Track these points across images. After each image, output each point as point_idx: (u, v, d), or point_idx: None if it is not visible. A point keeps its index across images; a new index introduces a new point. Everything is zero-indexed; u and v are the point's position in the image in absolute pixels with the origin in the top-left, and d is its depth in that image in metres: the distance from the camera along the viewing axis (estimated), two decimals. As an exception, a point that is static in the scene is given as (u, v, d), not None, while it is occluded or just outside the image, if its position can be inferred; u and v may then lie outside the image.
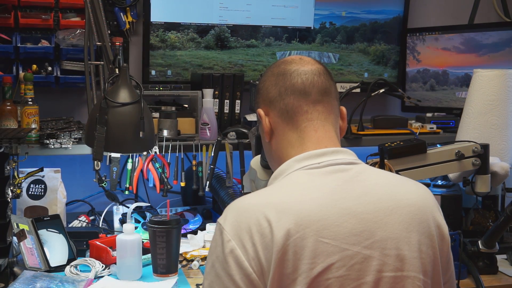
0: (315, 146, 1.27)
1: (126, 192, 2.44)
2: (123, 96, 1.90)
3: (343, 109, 1.37)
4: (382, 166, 2.00)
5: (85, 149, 2.16)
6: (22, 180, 2.03)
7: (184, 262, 2.10)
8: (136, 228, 2.20)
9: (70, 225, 2.37)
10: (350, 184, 1.21)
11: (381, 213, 1.18)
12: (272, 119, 1.32)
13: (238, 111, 2.62)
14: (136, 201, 2.56)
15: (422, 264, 1.19)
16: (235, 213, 1.17)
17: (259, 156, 1.81)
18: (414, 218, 1.21)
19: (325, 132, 1.29)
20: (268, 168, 1.80)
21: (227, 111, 2.59)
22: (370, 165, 1.79)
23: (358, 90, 2.77)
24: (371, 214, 1.17)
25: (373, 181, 1.24)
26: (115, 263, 1.97)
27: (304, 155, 1.26)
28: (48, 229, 2.03)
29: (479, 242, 2.03)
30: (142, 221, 2.40)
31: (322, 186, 1.20)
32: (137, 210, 2.42)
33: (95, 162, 2.13)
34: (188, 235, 2.26)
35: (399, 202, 1.21)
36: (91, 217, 2.49)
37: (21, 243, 1.98)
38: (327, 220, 1.14)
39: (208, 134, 2.46)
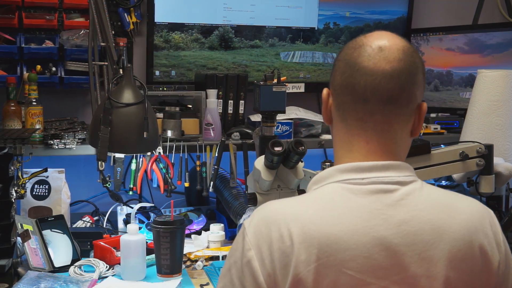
0: (363, 158, 1.13)
1: (130, 193, 2.44)
2: (127, 96, 1.90)
3: (424, 105, 1.17)
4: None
5: (89, 150, 2.16)
6: (26, 181, 2.03)
7: (188, 263, 2.10)
8: (140, 228, 2.20)
9: (74, 226, 2.37)
10: (390, 209, 1.08)
11: (420, 246, 1.06)
12: (332, 106, 1.19)
13: (242, 112, 2.61)
14: (140, 202, 2.56)
15: None
16: (261, 222, 1.09)
17: (263, 156, 1.81)
18: (456, 254, 1.08)
19: (378, 145, 1.13)
20: (271, 168, 1.80)
21: (231, 112, 2.58)
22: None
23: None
24: (407, 247, 1.06)
25: (418, 206, 1.10)
26: (119, 264, 1.97)
27: (349, 166, 1.12)
28: (52, 230, 2.04)
29: (483, 242, 2.03)
30: (146, 221, 2.40)
31: (358, 208, 1.07)
32: (141, 210, 2.42)
33: (99, 162, 2.13)
34: (192, 236, 2.26)
35: (442, 235, 1.08)
36: (95, 218, 2.49)
37: (25, 244, 1.98)
38: (355, 250, 1.04)
39: (212, 134, 2.45)
